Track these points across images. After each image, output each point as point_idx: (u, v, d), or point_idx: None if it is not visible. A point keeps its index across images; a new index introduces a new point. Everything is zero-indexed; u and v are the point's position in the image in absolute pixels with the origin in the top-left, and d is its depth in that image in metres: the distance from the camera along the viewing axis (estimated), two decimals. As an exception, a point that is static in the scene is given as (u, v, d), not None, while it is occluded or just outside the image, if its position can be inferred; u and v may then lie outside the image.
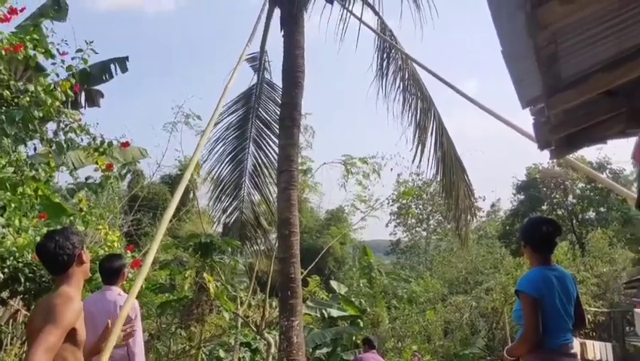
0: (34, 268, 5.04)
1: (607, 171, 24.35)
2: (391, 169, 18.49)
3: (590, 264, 16.74)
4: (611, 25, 2.27)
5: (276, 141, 10.14)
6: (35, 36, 5.77)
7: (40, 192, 5.39)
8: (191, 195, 24.53)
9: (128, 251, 6.03)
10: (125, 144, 6.38)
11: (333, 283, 17.87)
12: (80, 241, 2.87)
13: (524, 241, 3.40)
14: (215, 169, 10.65)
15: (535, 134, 3.84)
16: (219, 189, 10.82)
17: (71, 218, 5.97)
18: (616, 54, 2.63)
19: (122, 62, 7.27)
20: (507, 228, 27.29)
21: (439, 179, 9.27)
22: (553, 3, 1.79)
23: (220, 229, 12.58)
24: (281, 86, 9.65)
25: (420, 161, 8.88)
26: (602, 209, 24.93)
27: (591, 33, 2.30)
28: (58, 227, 5.36)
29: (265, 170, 10.76)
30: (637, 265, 20.57)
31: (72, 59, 6.30)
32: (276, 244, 10.77)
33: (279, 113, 9.90)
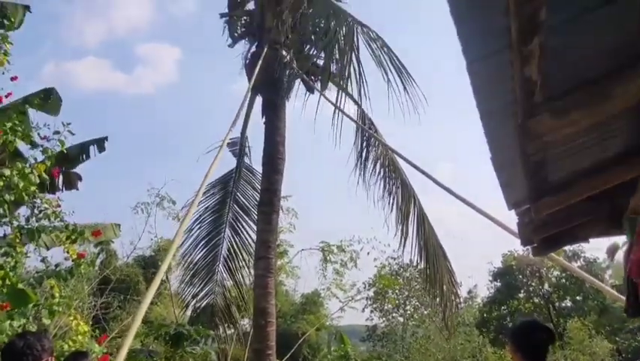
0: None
1: (581, 260, 24.55)
2: (368, 253, 18.43)
3: (570, 357, 16.42)
4: (596, 136, 2.31)
5: (253, 226, 10.02)
6: (17, 122, 5.72)
7: (7, 281, 5.11)
8: (164, 277, 23.92)
9: (97, 344, 5.66)
10: (97, 233, 6.21)
11: (309, 374, 17.12)
12: (51, 348, 2.70)
13: (515, 346, 3.23)
14: (189, 253, 10.39)
15: (519, 233, 3.84)
16: (192, 273, 10.50)
17: (36, 308, 5.66)
18: (598, 162, 2.68)
19: (101, 143, 7.22)
20: (484, 315, 26.91)
21: (422, 267, 9.17)
22: (545, 115, 1.80)
23: (189, 312, 12.15)
24: (260, 172, 9.68)
25: (403, 248, 8.80)
26: (578, 298, 24.87)
27: (577, 143, 2.33)
28: (22, 320, 5.06)
29: (240, 255, 10.53)
30: (614, 356, 20.29)
31: (48, 141, 6.23)
32: (251, 333, 10.37)
33: (257, 198, 9.86)
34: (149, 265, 22.15)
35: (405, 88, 8.24)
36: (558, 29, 1.49)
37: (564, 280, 25.03)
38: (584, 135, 2.20)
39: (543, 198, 2.83)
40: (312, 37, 9.76)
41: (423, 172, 7.17)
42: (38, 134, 6.24)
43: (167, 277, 22.80)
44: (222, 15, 10.46)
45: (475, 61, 1.60)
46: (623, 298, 3.58)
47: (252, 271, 9.38)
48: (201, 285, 10.32)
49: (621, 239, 3.87)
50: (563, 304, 26.48)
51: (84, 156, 7.22)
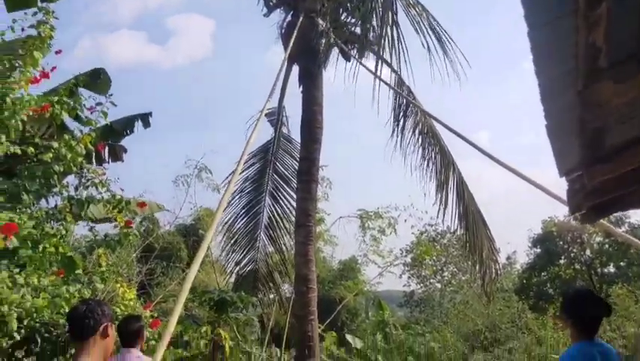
0: (51, 329, 4.95)
1: (625, 225, 23.91)
2: (405, 220, 18.40)
3: (616, 323, 16.14)
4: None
5: (293, 194, 10.15)
6: (65, 98, 5.86)
7: (60, 249, 5.35)
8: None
9: (146, 310, 5.90)
10: (142, 204, 6.39)
11: (349, 337, 17.41)
12: (110, 315, 2.85)
13: (568, 315, 3.20)
14: (232, 222, 10.61)
15: (569, 200, 3.76)
16: (234, 240, 10.75)
17: (88, 275, 5.93)
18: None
19: (145, 118, 7.38)
20: (524, 282, 26.67)
21: (460, 233, 9.14)
22: (609, 82, 1.75)
23: (231, 279, 12.47)
24: (299, 141, 9.72)
25: (443, 215, 8.76)
26: (622, 263, 24.31)
27: (636, 109, 2.25)
28: (78, 285, 5.31)
29: (281, 223, 10.71)
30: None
31: (91, 113, 6.36)
32: (292, 298, 10.60)
33: (296, 167, 9.94)
34: (190, 233, 22.75)
35: (445, 54, 8.09)
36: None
37: (607, 246, 24.46)
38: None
39: (597, 165, 2.77)
40: (349, 4, 9.61)
41: (463, 138, 7.07)
42: (84, 105, 6.37)
43: (208, 246, 23.43)
44: (257, -18, 10.35)
45: (537, 27, 1.56)
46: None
47: (293, 239, 9.55)
48: (244, 252, 10.58)
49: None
50: (606, 270, 25.97)
51: (129, 131, 7.39)
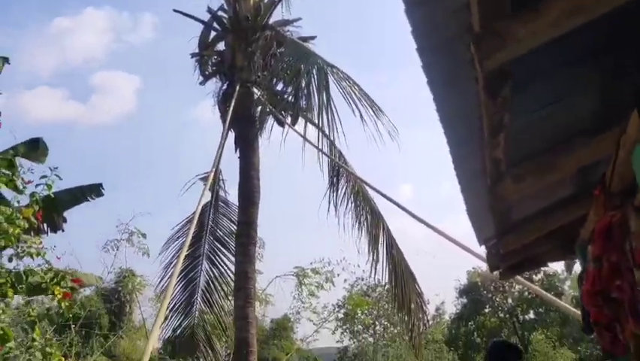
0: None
1: (541, 273, 25.58)
2: (338, 275, 18.83)
3: (537, 369, 17.14)
4: (547, 187, 2.83)
5: (231, 257, 10.29)
6: (4, 170, 5.89)
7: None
8: (127, 308, 23.49)
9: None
10: (77, 281, 6.40)
11: (284, 400, 17.23)
12: None
13: None
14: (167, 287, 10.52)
15: (488, 262, 4.37)
16: (171, 307, 10.63)
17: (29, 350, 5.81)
18: (553, 204, 3.22)
19: (96, 188, 7.39)
20: (453, 332, 27.57)
21: (389, 288, 9.59)
22: (507, 181, 2.30)
23: (157, 345, 12.15)
24: (236, 204, 10.00)
25: (375, 271, 9.20)
26: (540, 310, 25.81)
27: (533, 192, 2.84)
28: None
29: (219, 286, 10.75)
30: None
31: (36, 186, 6.38)
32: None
33: (234, 229, 10.16)
34: (112, 297, 21.64)
35: (376, 120, 8.76)
36: (515, 124, 1.99)
37: (526, 294, 25.93)
38: (540, 187, 2.71)
39: (508, 236, 3.35)
40: (283, 75, 10.22)
41: (387, 197, 7.74)
42: (22, 179, 6.39)
43: (130, 308, 22.53)
44: (193, 55, 10.82)
45: (455, 145, 2.08)
46: (578, 311, 4.12)
47: (232, 302, 9.63)
48: (180, 318, 10.47)
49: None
50: (527, 317, 27.39)
51: (78, 200, 7.36)
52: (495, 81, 1.49)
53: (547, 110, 2.11)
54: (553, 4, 1.31)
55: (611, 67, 2.12)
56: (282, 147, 9.10)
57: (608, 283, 2.20)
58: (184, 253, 5.91)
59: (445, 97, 1.74)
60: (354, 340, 32.98)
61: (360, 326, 31.90)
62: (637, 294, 2.01)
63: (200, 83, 10.88)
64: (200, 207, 6.00)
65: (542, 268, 25.89)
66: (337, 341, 32.66)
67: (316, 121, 9.06)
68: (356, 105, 8.72)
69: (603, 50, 1.98)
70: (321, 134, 9.76)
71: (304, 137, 9.62)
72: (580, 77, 2.08)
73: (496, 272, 4.90)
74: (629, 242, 2.01)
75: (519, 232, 3.35)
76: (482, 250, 4.47)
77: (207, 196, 11.25)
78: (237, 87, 9.69)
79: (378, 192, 8.64)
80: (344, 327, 32.12)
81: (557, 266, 24.20)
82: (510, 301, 27.11)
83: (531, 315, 27.09)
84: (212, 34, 10.67)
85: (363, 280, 27.15)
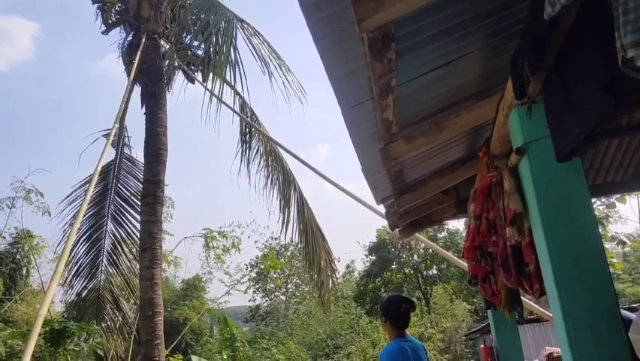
0: None
1: (445, 231, 27.15)
2: (249, 237, 18.91)
3: (435, 320, 18.31)
4: (439, 148, 2.96)
5: (137, 217, 9.95)
6: None
7: None
8: (24, 271, 22.23)
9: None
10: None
11: (194, 359, 17.21)
12: None
13: (385, 316, 3.87)
14: (70, 249, 10.05)
15: (387, 221, 4.54)
16: (76, 269, 10.20)
17: None
18: (444, 166, 3.38)
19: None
20: (361, 288, 28.73)
21: (301, 247, 9.77)
22: (400, 142, 2.38)
23: (59, 309, 11.66)
24: (142, 162, 9.63)
25: (286, 231, 9.30)
26: (442, 266, 27.47)
27: (426, 153, 2.97)
28: None
29: (125, 247, 10.42)
30: (473, 316, 22.85)
31: None
32: (135, 323, 10.38)
33: (140, 188, 9.80)
34: (6, 260, 20.39)
35: (285, 80, 8.69)
36: (405, 86, 2.05)
37: (430, 251, 27.42)
38: (430, 148, 2.83)
39: (403, 195, 3.50)
40: (192, 28, 9.80)
41: (301, 161, 7.80)
42: None
43: (27, 272, 21.35)
44: (94, 1, 10.11)
45: (348, 108, 2.11)
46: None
47: (138, 263, 9.37)
48: (85, 281, 10.08)
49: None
50: (430, 273, 29.08)
51: None
52: (379, 43, 1.52)
53: (437, 73, 2.18)
54: (427, -33, 1.35)
55: (496, 31, 2.22)
56: (192, 103, 8.83)
57: (486, 238, 2.37)
58: (82, 213, 5.63)
59: (334, 56, 1.74)
60: (267, 298, 33.50)
61: (272, 285, 32.38)
62: (507, 249, 2.18)
63: (103, 33, 10.19)
64: (100, 165, 5.71)
65: (445, 226, 27.51)
66: (249, 300, 33.01)
67: (228, 78, 8.85)
68: (265, 64, 8.59)
69: (489, 13, 2.06)
70: (232, 92, 9.57)
71: (213, 93, 9.36)
72: (466, 42, 2.16)
73: (396, 230, 5.13)
74: (502, 201, 2.16)
75: (414, 191, 3.50)
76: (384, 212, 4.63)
77: (112, 154, 10.80)
78: (143, 39, 9.18)
79: (286, 150, 8.66)
80: (256, 286, 32.48)
81: (459, 224, 25.77)
82: (416, 257, 28.58)
83: (434, 270, 28.79)
84: (117, -21, 9.99)
85: (275, 239, 27.47)
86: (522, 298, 3.82)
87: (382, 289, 28.66)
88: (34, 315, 19.78)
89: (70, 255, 9.98)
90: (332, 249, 10.30)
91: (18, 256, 20.03)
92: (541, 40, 1.63)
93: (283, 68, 8.88)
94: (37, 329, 3.64)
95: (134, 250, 10.12)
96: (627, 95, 1.36)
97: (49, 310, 15.09)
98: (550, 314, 2.33)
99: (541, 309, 6.00)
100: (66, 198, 10.01)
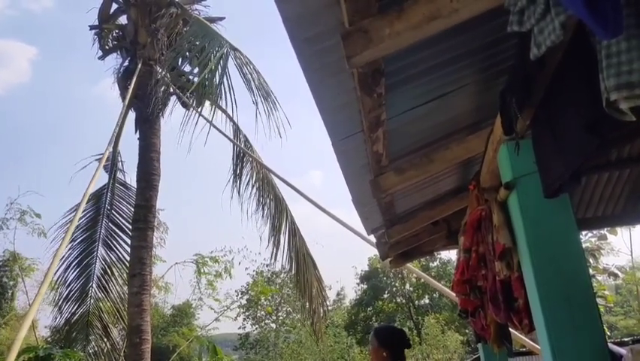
0: None
1: (437, 260, 27.05)
2: (239, 263, 18.80)
3: (426, 352, 18.12)
4: (429, 180, 2.98)
5: (128, 241, 9.88)
6: None
7: None
8: (9, 295, 21.85)
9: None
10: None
11: (182, 387, 16.91)
12: None
13: (385, 348, 3.71)
14: (62, 273, 9.94)
15: (378, 251, 4.54)
16: (65, 296, 10.06)
17: None
18: (434, 198, 3.40)
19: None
20: (352, 317, 28.43)
21: (292, 274, 9.71)
22: (390, 174, 2.39)
23: (45, 334, 11.45)
24: (135, 187, 9.60)
25: (275, 258, 9.27)
26: (434, 295, 27.27)
27: (417, 185, 2.99)
28: None
29: (115, 272, 10.30)
30: (465, 348, 22.65)
31: None
32: (123, 349, 10.19)
33: (131, 213, 9.75)
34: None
35: (271, 112, 8.68)
36: (395, 120, 2.07)
37: (422, 280, 27.26)
38: (420, 180, 2.85)
39: (394, 226, 3.50)
40: (187, 54, 9.90)
41: (295, 189, 7.80)
42: None
43: (12, 295, 20.99)
44: (92, 27, 10.21)
45: (338, 140, 2.13)
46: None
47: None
48: (75, 306, 9.94)
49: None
50: (422, 302, 28.85)
51: None
52: (369, 78, 1.54)
53: (427, 106, 2.22)
54: (415, 8, 1.37)
55: (487, 67, 2.26)
56: (186, 130, 8.83)
57: (475, 272, 2.37)
58: (67, 239, 5.58)
59: (324, 89, 1.76)
60: (257, 326, 33.06)
61: (262, 313, 31.99)
62: (497, 283, 2.18)
63: (99, 58, 10.30)
64: (89, 191, 5.70)
65: (438, 256, 27.42)
66: (239, 328, 32.57)
67: (223, 105, 8.89)
68: (253, 94, 8.63)
69: (479, 49, 2.10)
70: (226, 118, 9.62)
71: (207, 119, 9.41)
72: (457, 77, 2.20)
73: (387, 260, 5.11)
74: (491, 234, 2.17)
75: (405, 222, 3.50)
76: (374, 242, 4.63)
77: (105, 179, 10.76)
78: (139, 65, 9.27)
79: (278, 177, 8.69)
80: (246, 313, 32.08)
81: (451, 254, 25.72)
82: (408, 287, 28.39)
83: (426, 300, 28.57)
84: (114, 6, 10.12)
85: (267, 266, 27.27)
86: (513, 331, 3.79)
87: (374, 319, 28.38)
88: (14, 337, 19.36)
89: (60, 279, 9.87)
90: (323, 276, 10.25)
91: (5, 279, 19.73)
92: (528, 78, 1.67)
93: (268, 101, 8.89)
94: (14, 354, 3.56)
95: (124, 275, 10.01)
96: (610, 133, 1.38)
97: (35, 335, 14.82)
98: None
99: (532, 343, 5.96)
100: (58, 221, 9.96)
